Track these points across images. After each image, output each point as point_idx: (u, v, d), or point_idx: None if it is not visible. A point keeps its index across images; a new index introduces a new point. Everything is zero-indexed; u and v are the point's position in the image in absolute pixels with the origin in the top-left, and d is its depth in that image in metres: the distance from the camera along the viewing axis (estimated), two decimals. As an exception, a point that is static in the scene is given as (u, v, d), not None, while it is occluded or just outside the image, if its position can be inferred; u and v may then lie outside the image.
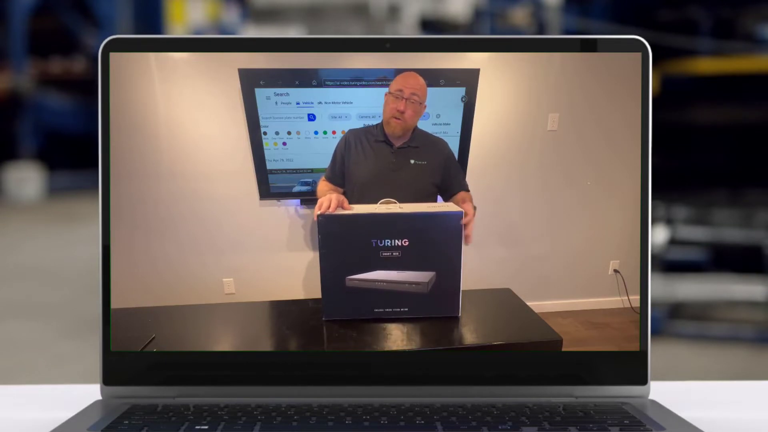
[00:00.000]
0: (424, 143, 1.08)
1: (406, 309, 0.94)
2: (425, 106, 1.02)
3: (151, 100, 0.90)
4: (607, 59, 0.85)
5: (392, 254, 0.93)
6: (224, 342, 0.93)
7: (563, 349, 0.89)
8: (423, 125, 1.02)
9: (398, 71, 0.92)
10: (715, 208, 4.70)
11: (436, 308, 0.95)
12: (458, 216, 0.93)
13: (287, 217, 1.05)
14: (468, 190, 1.03)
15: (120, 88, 0.82)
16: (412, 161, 1.08)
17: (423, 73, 0.97)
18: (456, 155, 1.03)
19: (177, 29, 9.53)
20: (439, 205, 0.98)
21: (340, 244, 0.92)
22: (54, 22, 10.52)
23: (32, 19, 9.92)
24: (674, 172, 4.94)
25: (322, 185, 1.02)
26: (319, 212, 0.93)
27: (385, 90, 0.96)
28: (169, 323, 0.91)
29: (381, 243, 0.92)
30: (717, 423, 0.72)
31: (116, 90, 0.82)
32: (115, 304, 0.79)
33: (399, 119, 1.02)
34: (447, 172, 1.04)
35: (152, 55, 0.85)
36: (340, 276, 0.93)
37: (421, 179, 1.05)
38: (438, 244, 0.93)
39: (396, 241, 0.92)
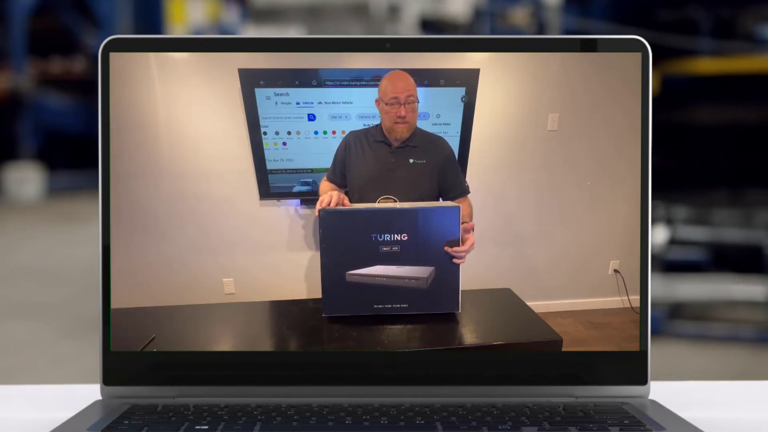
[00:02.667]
0: (423, 142, 1.08)
1: (406, 305, 0.94)
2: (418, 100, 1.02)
3: (151, 100, 0.90)
4: (607, 59, 0.85)
5: (392, 249, 0.93)
6: (224, 342, 0.93)
7: (563, 349, 0.89)
8: (423, 125, 1.02)
9: (396, 72, 0.92)
10: (715, 208, 4.70)
11: (435, 304, 0.95)
12: (455, 211, 0.93)
13: (287, 218, 1.05)
14: (468, 193, 1.03)
15: (120, 88, 0.82)
16: (411, 161, 1.08)
17: (423, 73, 0.97)
18: (456, 155, 1.03)
19: (177, 29, 9.53)
20: (437, 203, 0.98)
21: (341, 239, 0.93)
22: (54, 22, 10.53)
23: (32, 19, 9.93)
24: (674, 172, 4.94)
25: (324, 185, 1.02)
26: (320, 207, 0.93)
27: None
28: (169, 323, 0.91)
29: (381, 238, 0.93)
30: (717, 423, 0.72)
31: (116, 90, 0.81)
32: (115, 304, 0.79)
33: (403, 123, 1.03)
34: (445, 172, 1.04)
35: (152, 55, 0.85)
36: (341, 271, 0.93)
37: (420, 179, 1.05)
38: (436, 239, 0.93)
39: (395, 235, 0.93)
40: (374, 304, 0.93)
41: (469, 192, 1.02)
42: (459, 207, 0.94)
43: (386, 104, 0.98)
